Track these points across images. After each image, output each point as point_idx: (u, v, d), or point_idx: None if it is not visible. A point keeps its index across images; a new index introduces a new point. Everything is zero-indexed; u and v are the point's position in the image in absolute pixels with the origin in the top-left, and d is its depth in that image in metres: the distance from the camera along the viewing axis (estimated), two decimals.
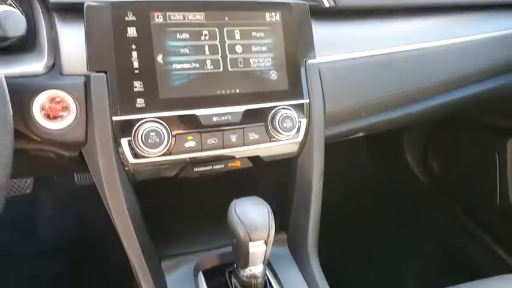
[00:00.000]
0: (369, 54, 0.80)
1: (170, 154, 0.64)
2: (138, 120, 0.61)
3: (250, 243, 0.60)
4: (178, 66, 0.64)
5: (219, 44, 0.66)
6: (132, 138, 0.61)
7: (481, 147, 1.37)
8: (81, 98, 0.61)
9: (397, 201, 1.65)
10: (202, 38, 0.66)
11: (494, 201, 1.33)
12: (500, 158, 1.30)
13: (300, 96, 0.72)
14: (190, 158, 0.67)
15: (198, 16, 0.65)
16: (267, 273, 0.73)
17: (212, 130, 0.66)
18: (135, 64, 0.61)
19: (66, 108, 0.61)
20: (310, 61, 0.73)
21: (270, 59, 0.70)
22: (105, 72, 0.61)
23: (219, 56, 0.66)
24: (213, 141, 0.67)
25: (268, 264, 0.75)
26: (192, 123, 0.65)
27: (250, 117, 0.68)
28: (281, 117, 0.69)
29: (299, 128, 0.72)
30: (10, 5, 0.65)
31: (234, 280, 0.70)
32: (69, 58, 0.62)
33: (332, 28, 0.79)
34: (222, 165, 0.71)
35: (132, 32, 0.62)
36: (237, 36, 0.67)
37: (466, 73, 0.92)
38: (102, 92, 0.60)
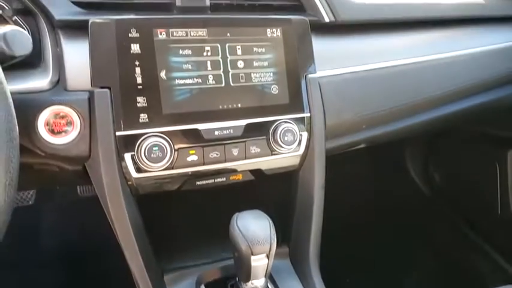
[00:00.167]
0: (368, 68, 0.81)
1: (173, 168, 0.65)
2: (142, 135, 0.62)
3: (252, 257, 0.60)
4: (181, 81, 0.65)
5: (221, 60, 0.67)
6: (135, 153, 0.62)
7: (482, 158, 1.37)
8: (85, 113, 0.62)
9: (398, 211, 1.65)
10: (205, 53, 0.67)
11: (495, 211, 1.33)
12: (501, 168, 1.30)
13: (301, 110, 0.73)
14: (193, 172, 0.67)
15: (201, 32, 0.66)
16: (269, 286, 0.74)
17: (214, 144, 0.67)
18: (139, 80, 0.63)
19: (70, 123, 0.62)
20: (310, 75, 0.74)
21: (271, 74, 0.71)
22: (109, 88, 0.62)
23: (221, 71, 0.67)
24: (215, 155, 0.67)
25: (270, 277, 0.76)
26: (194, 138, 0.66)
27: (251, 131, 0.69)
28: (282, 131, 0.70)
29: (300, 141, 0.72)
30: (15, 21, 0.67)
31: None
32: (74, 74, 0.63)
33: (332, 42, 0.80)
34: (224, 179, 0.72)
35: (135, 48, 0.63)
36: (239, 51, 0.69)
37: (466, 85, 0.93)
38: (106, 107, 0.61)
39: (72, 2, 0.65)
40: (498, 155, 1.30)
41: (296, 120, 0.72)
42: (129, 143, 0.62)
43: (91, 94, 0.62)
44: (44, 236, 1.29)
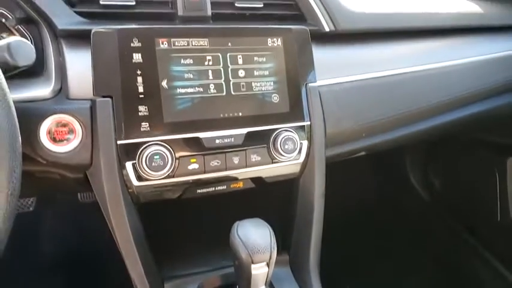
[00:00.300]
0: (368, 77, 0.82)
1: (174, 176, 0.65)
2: (143, 143, 0.63)
3: (253, 266, 0.61)
4: (183, 90, 0.65)
5: (222, 69, 0.68)
6: (137, 161, 0.62)
7: (481, 164, 1.38)
8: (87, 121, 0.62)
9: (398, 217, 1.65)
10: (206, 63, 0.67)
11: (495, 217, 1.33)
12: (500, 175, 1.30)
13: (301, 118, 0.73)
14: (194, 180, 0.68)
15: (202, 42, 0.67)
16: None
17: (215, 152, 0.67)
18: (140, 89, 0.63)
19: (72, 131, 0.62)
20: (310, 84, 0.74)
21: (272, 83, 0.71)
22: (111, 97, 0.62)
23: (222, 81, 0.68)
24: (215, 163, 0.68)
25: (270, 285, 0.76)
26: (195, 146, 0.66)
27: (252, 139, 0.69)
28: (283, 139, 0.70)
29: (300, 149, 0.73)
30: (19, 30, 0.67)
31: None
32: (76, 83, 0.64)
33: (332, 51, 0.81)
34: (225, 187, 0.72)
35: (137, 57, 0.63)
36: (240, 61, 0.69)
37: (465, 94, 0.94)
38: (108, 116, 0.62)
39: (75, 12, 0.65)
40: (497, 162, 1.31)
41: (296, 128, 0.72)
42: (130, 152, 0.62)
43: (93, 103, 0.62)
44: (44, 242, 1.29)
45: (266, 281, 0.65)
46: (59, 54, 0.65)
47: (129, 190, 0.65)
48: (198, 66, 0.67)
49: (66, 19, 0.64)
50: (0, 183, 0.41)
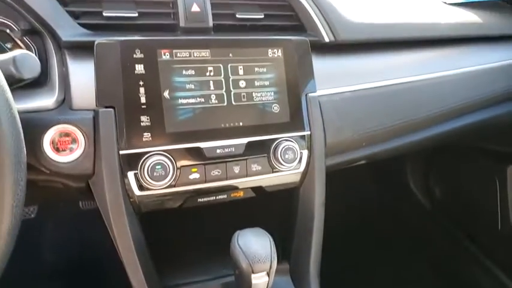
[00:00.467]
0: (368, 87, 0.82)
1: (175, 186, 0.66)
2: (145, 153, 0.63)
3: (253, 275, 0.61)
4: (184, 101, 0.66)
5: (223, 80, 0.69)
6: (139, 171, 0.63)
7: (482, 172, 1.38)
8: (89, 132, 0.63)
9: (398, 224, 1.65)
10: (208, 73, 0.68)
11: (496, 225, 1.33)
12: (500, 183, 1.31)
13: (301, 128, 0.74)
14: (195, 190, 0.68)
15: (204, 53, 0.68)
16: None
17: (216, 162, 0.68)
18: (143, 100, 0.64)
19: (74, 141, 0.63)
20: (310, 94, 0.75)
21: (272, 93, 0.72)
22: (113, 108, 0.63)
23: (223, 91, 0.69)
24: (216, 173, 0.68)
25: None
26: (196, 156, 0.67)
27: (253, 149, 0.70)
28: (283, 149, 0.71)
29: (301, 159, 0.73)
30: (23, 40, 0.68)
31: None
32: (79, 93, 0.65)
33: (332, 62, 0.82)
34: (225, 196, 0.73)
35: (139, 68, 0.64)
36: (241, 71, 0.70)
37: (465, 103, 0.94)
38: (110, 126, 0.63)
39: (78, 24, 0.66)
40: (497, 170, 1.31)
41: (297, 138, 0.73)
42: (132, 162, 0.63)
43: (96, 113, 0.63)
44: (45, 249, 1.29)
45: None
46: (63, 65, 0.66)
47: (131, 199, 0.65)
48: (199, 77, 0.68)
49: (70, 31, 0.65)
50: (5, 195, 0.42)
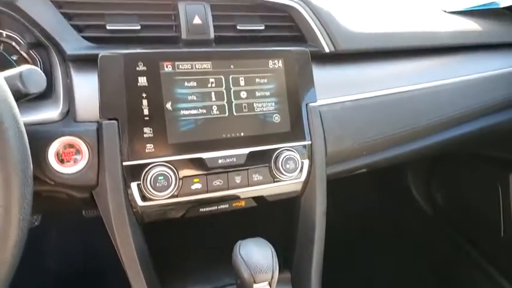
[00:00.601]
0: (368, 96, 0.83)
1: (177, 196, 0.67)
2: (147, 164, 0.64)
3: (255, 285, 0.61)
4: (186, 112, 0.67)
5: (224, 91, 0.70)
6: (141, 182, 0.64)
7: (484, 179, 1.38)
8: (93, 143, 0.64)
9: (400, 230, 1.65)
10: (209, 85, 0.69)
11: (498, 232, 1.33)
12: (503, 190, 1.31)
13: (302, 138, 0.74)
14: (197, 200, 0.69)
15: (205, 65, 0.69)
16: None
17: (218, 172, 0.69)
18: (145, 111, 0.65)
19: (79, 152, 0.64)
20: (311, 104, 0.76)
21: (273, 103, 0.73)
22: (117, 120, 0.64)
23: (224, 102, 0.70)
24: (218, 183, 0.69)
25: None
26: (198, 166, 0.67)
27: (254, 159, 0.71)
28: (284, 159, 0.72)
29: (302, 168, 0.74)
30: (29, 54, 0.70)
31: None
32: (83, 106, 0.66)
33: (332, 71, 0.83)
34: (227, 205, 0.73)
35: (142, 81, 0.65)
36: (242, 83, 0.71)
37: (465, 111, 0.95)
38: (114, 138, 0.63)
39: (82, 37, 0.67)
40: (500, 177, 1.31)
41: (297, 148, 0.74)
42: (135, 173, 0.64)
43: (99, 125, 0.64)
44: (48, 257, 1.30)
45: None
46: (67, 78, 0.67)
47: (134, 210, 0.66)
48: (201, 89, 0.69)
49: (74, 44, 0.66)
50: (12, 210, 0.43)
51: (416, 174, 1.64)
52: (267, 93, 0.73)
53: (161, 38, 0.72)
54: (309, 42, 0.81)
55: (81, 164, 0.64)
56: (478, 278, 1.39)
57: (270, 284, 0.62)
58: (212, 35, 0.73)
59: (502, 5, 1.00)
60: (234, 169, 0.70)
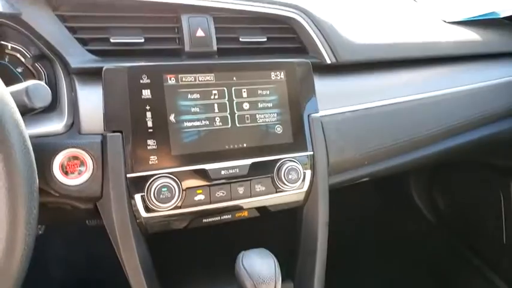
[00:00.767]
0: (369, 106, 0.84)
1: (181, 207, 0.67)
2: (151, 176, 0.65)
3: None
4: (189, 124, 0.68)
5: (227, 102, 0.71)
6: (145, 194, 0.65)
7: (486, 186, 1.38)
8: (97, 156, 0.64)
9: (402, 237, 1.64)
10: (212, 97, 0.70)
11: (500, 239, 1.33)
12: (505, 197, 1.31)
13: (304, 148, 0.75)
14: (200, 211, 0.69)
15: (208, 77, 0.70)
16: None
17: (220, 183, 0.69)
18: (149, 124, 0.66)
19: (83, 164, 0.64)
20: (313, 115, 0.77)
21: (275, 114, 0.74)
22: (121, 132, 0.65)
23: (227, 113, 0.70)
24: (221, 194, 0.70)
25: None
26: (201, 177, 0.68)
27: (256, 169, 0.71)
28: (286, 170, 0.72)
29: (304, 178, 0.75)
30: (34, 66, 0.71)
31: None
32: (88, 118, 0.66)
33: (333, 82, 0.83)
34: (230, 216, 0.74)
35: (146, 93, 0.66)
36: (244, 94, 0.72)
37: (466, 121, 0.95)
38: (118, 150, 0.64)
39: (87, 50, 0.68)
40: (502, 184, 1.31)
41: (300, 158, 0.74)
42: (139, 184, 0.65)
43: (104, 138, 0.65)
44: (52, 265, 1.30)
45: None
46: (72, 90, 0.68)
47: (138, 221, 0.67)
48: (204, 101, 0.69)
49: (78, 57, 0.67)
50: (18, 225, 0.44)
51: (418, 180, 1.65)
52: (269, 105, 0.73)
53: (164, 51, 0.73)
54: (311, 54, 0.81)
55: (85, 176, 0.64)
56: (480, 285, 1.39)
57: None
58: (215, 47, 0.74)
59: (503, 15, 1.00)
60: (237, 180, 0.70)
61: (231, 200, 0.70)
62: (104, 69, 0.65)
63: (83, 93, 0.67)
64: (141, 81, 0.66)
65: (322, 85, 0.80)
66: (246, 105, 0.72)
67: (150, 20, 0.73)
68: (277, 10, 0.77)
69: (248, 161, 0.71)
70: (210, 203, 0.69)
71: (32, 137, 0.54)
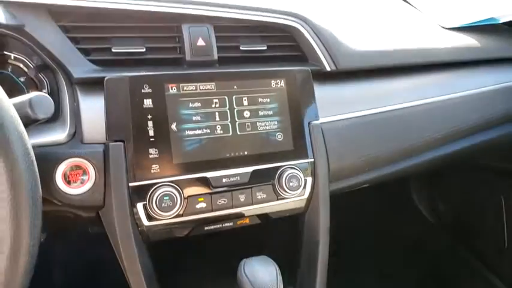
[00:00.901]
0: (369, 113, 0.84)
1: (182, 215, 0.68)
2: (153, 185, 0.65)
3: None
4: (191, 132, 0.69)
5: (228, 111, 0.71)
6: (147, 202, 0.65)
7: (487, 190, 1.38)
8: (100, 165, 0.65)
9: (403, 240, 1.64)
10: (213, 105, 0.70)
11: (501, 241, 1.33)
12: (506, 201, 1.31)
13: (305, 155, 0.76)
14: (201, 218, 0.70)
15: (209, 86, 0.71)
16: None
17: (222, 191, 0.70)
18: (151, 133, 0.66)
19: (85, 173, 0.65)
20: (313, 122, 0.77)
21: (276, 122, 0.74)
22: (123, 141, 0.65)
23: (228, 122, 0.71)
24: (222, 202, 0.70)
25: None
26: (203, 186, 0.69)
27: (257, 177, 0.72)
28: (287, 177, 0.72)
29: (305, 185, 0.75)
30: (37, 77, 0.71)
31: None
32: (90, 128, 0.67)
33: (333, 89, 0.84)
34: (231, 223, 0.74)
35: (148, 103, 0.67)
36: (245, 102, 0.72)
37: (466, 126, 0.96)
38: (120, 159, 0.65)
39: (89, 60, 0.69)
40: (504, 187, 1.31)
41: (300, 165, 0.75)
42: (141, 193, 0.65)
43: (106, 147, 0.65)
44: (53, 271, 1.31)
45: None
46: (74, 100, 0.69)
47: (140, 229, 0.67)
48: (205, 109, 0.70)
49: (81, 68, 0.67)
50: (22, 237, 0.44)
51: (419, 184, 1.65)
52: (270, 112, 0.74)
53: (166, 60, 0.74)
54: (311, 61, 0.82)
55: (87, 185, 0.65)
56: (480, 287, 1.39)
57: None
58: (216, 56, 0.75)
59: (502, 21, 1.01)
60: (238, 188, 0.71)
61: (232, 207, 0.71)
62: (105, 79, 0.66)
63: (85, 103, 0.68)
64: (142, 90, 0.67)
65: (322, 92, 0.81)
66: (246, 113, 0.72)
67: (151, 30, 0.74)
68: (277, 19, 0.78)
69: (249, 169, 0.71)
70: (212, 210, 0.69)
71: (34, 147, 0.54)
